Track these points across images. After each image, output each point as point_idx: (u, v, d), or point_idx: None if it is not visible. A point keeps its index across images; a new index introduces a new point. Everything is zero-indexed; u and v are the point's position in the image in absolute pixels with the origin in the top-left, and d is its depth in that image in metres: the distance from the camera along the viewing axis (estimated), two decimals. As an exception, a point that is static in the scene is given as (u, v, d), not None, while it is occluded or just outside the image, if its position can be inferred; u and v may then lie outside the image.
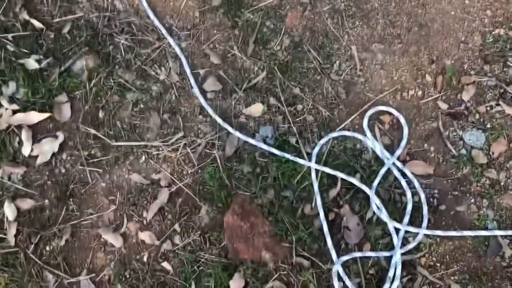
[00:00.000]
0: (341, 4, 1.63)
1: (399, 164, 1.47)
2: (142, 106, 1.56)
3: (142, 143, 1.52)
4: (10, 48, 1.57)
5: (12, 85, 1.55)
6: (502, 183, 1.44)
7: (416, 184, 1.45)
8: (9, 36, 1.58)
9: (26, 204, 1.49)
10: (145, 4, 1.63)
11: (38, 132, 1.54)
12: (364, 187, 1.44)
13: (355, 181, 1.44)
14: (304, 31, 1.62)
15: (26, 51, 1.58)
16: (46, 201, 1.50)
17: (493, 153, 1.47)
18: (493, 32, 1.57)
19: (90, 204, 1.50)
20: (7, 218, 1.47)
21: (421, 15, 1.60)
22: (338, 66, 1.58)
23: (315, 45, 1.60)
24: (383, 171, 1.45)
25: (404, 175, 1.47)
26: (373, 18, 1.61)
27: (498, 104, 1.51)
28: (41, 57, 1.58)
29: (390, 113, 1.52)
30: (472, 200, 1.44)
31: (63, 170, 1.52)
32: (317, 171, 1.46)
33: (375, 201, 1.42)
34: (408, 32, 1.59)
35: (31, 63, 1.57)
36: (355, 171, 1.47)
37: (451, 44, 1.57)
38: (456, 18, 1.59)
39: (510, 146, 1.47)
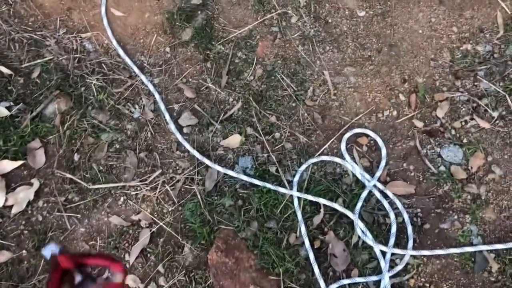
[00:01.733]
0: (311, 30, 1.64)
1: (380, 185, 1.47)
2: (117, 146, 1.54)
3: (120, 184, 1.49)
4: (-21, 97, 1.54)
5: (-18, 135, 1.52)
6: (483, 197, 1.45)
7: (399, 204, 1.45)
8: (-23, 84, 1.56)
9: (3, 256, 1.45)
10: (115, 43, 1.62)
11: (12, 181, 1.50)
12: (347, 212, 1.43)
13: (338, 206, 1.43)
14: (276, 60, 1.62)
15: (-5, 98, 1.55)
16: (24, 251, 1.45)
17: (471, 167, 1.48)
18: (461, 48, 1.60)
19: (70, 251, 1.46)
20: (-17, 273, 1.42)
21: (390, 36, 1.63)
22: (312, 91, 1.59)
23: (288, 72, 1.60)
24: (364, 194, 1.44)
25: (386, 196, 1.46)
26: (343, 42, 1.63)
27: (472, 119, 1.52)
28: (11, 103, 1.56)
29: (367, 135, 1.53)
30: (455, 217, 1.44)
31: (40, 218, 1.48)
32: (299, 198, 1.45)
33: (359, 225, 1.41)
34: (378, 53, 1.61)
35: (1, 110, 1.54)
36: (337, 196, 1.46)
37: (421, 62, 1.60)
38: (424, 36, 1.62)
39: (488, 159, 1.48)
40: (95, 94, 1.58)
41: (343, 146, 1.51)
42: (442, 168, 1.49)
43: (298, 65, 1.61)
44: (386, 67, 1.59)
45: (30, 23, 1.65)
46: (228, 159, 1.53)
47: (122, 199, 1.49)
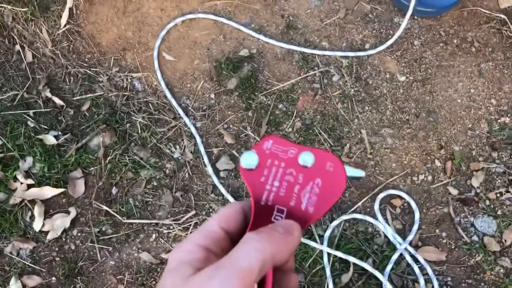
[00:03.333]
0: (351, 90, 1.69)
1: (411, 249, 1.46)
2: (155, 183, 1.58)
3: (154, 221, 1.52)
4: (31, 124, 1.62)
5: (29, 160, 1.58)
6: (516, 273, 1.43)
7: (429, 270, 1.43)
8: (31, 112, 1.64)
9: (33, 281, 1.47)
10: (163, 85, 1.70)
11: (50, 207, 1.55)
12: (377, 273, 1.42)
13: (367, 266, 1.42)
14: (315, 114, 1.67)
15: (45, 127, 1.63)
16: (53, 278, 1.48)
17: (505, 240, 1.46)
18: (499, 120, 1.62)
19: (98, 283, 1.48)
20: (12, 296, 1.44)
21: (429, 102, 1.67)
22: (349, 148, 1.62)
23: (326, 127, 1.65)
24: (395, 256, 1.44)
25: (416, 261, 1.45)
26: (382, 104, 1.67)
27: (508, 191, 1.52)
28: (59, 133, 1.63)
29: (401, 197, 1.54)
30: (487, 290, 1.42)
31: (72, 247, 1.51)
32: (329, 254, 1.45)
33: (388, 288, 1.40)
34: (416, 117, 1.65)
35: (49, 138, 1.61)
36: (367, 256, 1.46)
37: (458, 130, 1.62)
38: (463, 105, 1.65)
39: (522, 234, 1.47)
40: (139, 131, 1.64)
41: (376, 206, 1.52)
42: (475, 238, 1.48)
43: (337, 122, 1.66)
44: (424, 132, 1.63)
45: (86, 60, 1.75)
46: (261, 207, 1.55)
47: (154, 236, 1.52)
